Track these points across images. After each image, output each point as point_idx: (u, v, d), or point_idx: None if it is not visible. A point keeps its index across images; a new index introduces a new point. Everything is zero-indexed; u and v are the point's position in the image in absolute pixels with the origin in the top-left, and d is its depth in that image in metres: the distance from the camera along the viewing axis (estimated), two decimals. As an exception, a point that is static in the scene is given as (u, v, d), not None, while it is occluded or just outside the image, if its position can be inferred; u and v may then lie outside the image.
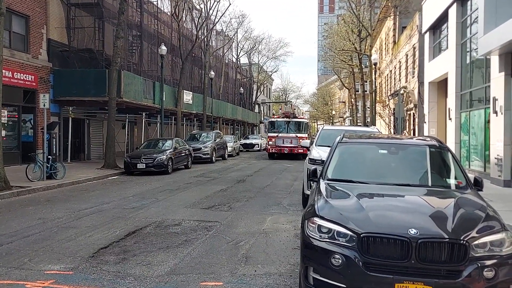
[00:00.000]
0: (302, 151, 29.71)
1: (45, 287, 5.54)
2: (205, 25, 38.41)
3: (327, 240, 4.42)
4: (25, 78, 21.99)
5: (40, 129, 20.72)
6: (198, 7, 38.16)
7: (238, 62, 57.10)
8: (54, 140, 18.40)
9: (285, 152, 31.43)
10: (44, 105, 17.11)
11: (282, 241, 7.94)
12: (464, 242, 4.11)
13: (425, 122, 26.61)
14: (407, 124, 33.89)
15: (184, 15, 34.77)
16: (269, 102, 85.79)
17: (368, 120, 36.28)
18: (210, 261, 6.72)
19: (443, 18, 22.71)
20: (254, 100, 66.31)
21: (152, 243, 7.74)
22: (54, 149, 18.33)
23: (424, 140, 6.60)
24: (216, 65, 46.15)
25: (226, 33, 49.19)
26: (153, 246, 7.57)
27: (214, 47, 46.00)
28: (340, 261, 4.25)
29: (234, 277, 5.96)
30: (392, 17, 38.43)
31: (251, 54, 59.08)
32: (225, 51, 49.53)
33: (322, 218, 4.58)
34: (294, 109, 36.69)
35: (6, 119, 21.00)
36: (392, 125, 35.50)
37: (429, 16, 25.05)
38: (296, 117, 33.87)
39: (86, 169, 21.15)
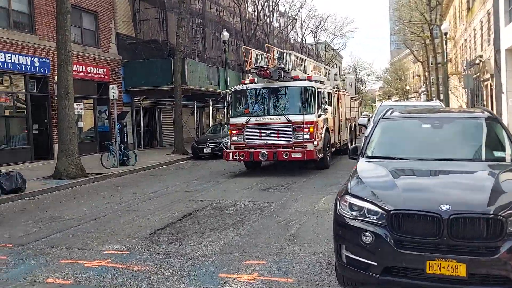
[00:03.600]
0: (299, 155, 13.44)
1: (101, 266, 5.96)
2: (267, 6, 38.29)
3: (358, 218, 4.36)
4: (97, 72, 23.29)
5: (112, 119, 21.96)
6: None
7: (304, 42, 56.45)
8: (125, 129, 19.48)
9: (262, 158, 14.05)
10: (113, 97, 18.07)
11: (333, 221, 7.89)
12: (501, 217, 3.88)
13: (503, 93, 24.87)
14: (484, 95, 31.86)
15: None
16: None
17: (442, 94, 34.51)
18: (258, 240, 6.86)
19: (519, -22, 20.93)
20: (322, 79, 65.41)
21: (205, 224, 8.03)
22: (126, 137, 19.40)
23: (474, 112, 6.24)
24: (280, 47, 45.95)
25: (289, 14, 48.74)
26: (206, 226, 7.85)
27: (278, 28, 45.80)
28: (370, 239, 4.19)
29: (278, 256, 6.06)
30: (465, -18, 36.02)
31: (317, 32, 58.13)
32: (289, 31, 49.16)
33: (353, 196, 4.53)
34: (279, 58, 14.50)
35: (83, 111, 22.41)
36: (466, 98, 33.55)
37: (504, -22, 23.18)
38: (290, 77, 14.71)
39: (157, 155, 22.15)
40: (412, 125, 6.08)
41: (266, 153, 13.64)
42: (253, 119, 14.16)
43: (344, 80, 24.21)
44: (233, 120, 14.72)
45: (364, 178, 4.82)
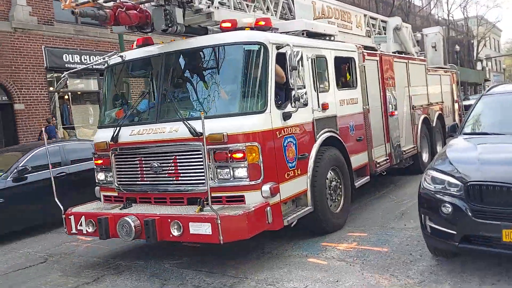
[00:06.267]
0: (207, 228, 4.94)
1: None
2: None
3: (440, 190, 4.66)
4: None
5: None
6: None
7: (452, 18, 52.53)
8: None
9: (124, 237, 5.43)
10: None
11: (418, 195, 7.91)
12: None
13: None
14: None
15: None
16: (496, 56, 75.98)
17: None
18: (367, 216, 7.35)
19: None
20: (475, 57, 60.11)
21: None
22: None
23: None
24: (423, 25, 43.62)
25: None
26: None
27: (419, 6, 43.54)
28: (450, 209, 4.48)
29: (381, 230, 6.49)
30: None
31: (466, 6, 53.51)
32: (431, 7, 46.35)
33: (436, 170, 4.83)
34: None
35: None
36: None
37: None
38: (218, 26, 6.20)
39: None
40: (514, 100, 5.96)
41: (132, 224, 5.36)
42: (125, 133, 6.10)
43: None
44: (98, 136, 6.61)
45: (450, 152, 5.06)
